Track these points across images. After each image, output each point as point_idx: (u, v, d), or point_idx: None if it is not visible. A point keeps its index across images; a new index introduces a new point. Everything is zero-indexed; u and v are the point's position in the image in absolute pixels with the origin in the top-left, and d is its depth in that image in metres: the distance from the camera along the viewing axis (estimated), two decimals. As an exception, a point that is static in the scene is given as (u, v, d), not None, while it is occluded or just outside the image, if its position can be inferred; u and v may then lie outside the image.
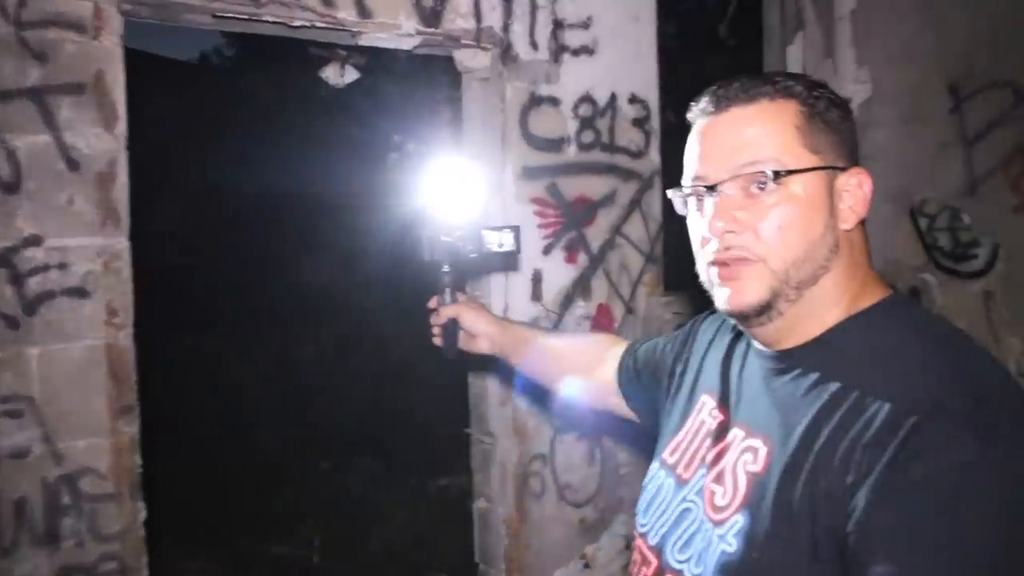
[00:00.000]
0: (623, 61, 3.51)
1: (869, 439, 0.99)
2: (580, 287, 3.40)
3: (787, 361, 1.18)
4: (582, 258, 3.40)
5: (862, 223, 1.20)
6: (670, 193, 1.27)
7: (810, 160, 1.12)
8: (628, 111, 3.53)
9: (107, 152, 2.38)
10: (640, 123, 3.57)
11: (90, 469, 2.37)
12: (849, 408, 1.04)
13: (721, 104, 1.17)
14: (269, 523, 5.76)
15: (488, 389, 3.30)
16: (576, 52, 3.36)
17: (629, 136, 3.53)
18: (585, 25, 3.39)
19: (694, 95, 1.24)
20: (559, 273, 3.34)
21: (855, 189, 1.16)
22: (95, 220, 2.37)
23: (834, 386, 1.08)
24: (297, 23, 2.70)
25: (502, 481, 3.29)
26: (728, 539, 1.13)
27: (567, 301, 3.36)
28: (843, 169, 1.16)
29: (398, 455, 6.10)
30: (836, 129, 1.16)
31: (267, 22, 2.67)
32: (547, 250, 3.28)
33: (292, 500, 5.87)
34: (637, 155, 3.56)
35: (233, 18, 2.60)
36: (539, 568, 3.34)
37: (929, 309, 1.13)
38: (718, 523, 1.16)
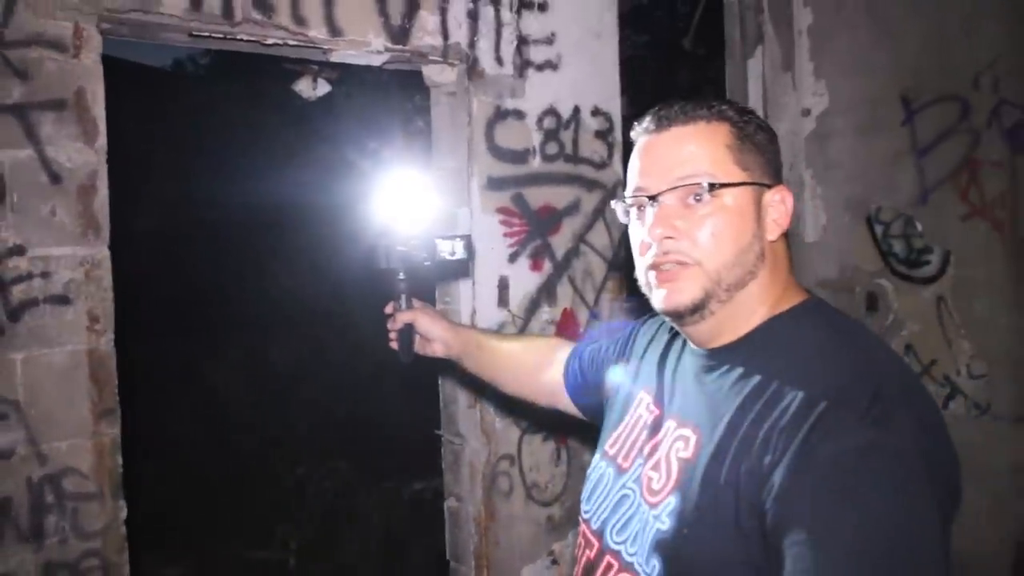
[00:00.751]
0: (586, 75, 3.64)
1: (784, 424, 1.12)
2: (545, 293, 3.53)
3: (716, 358, 1.31)
4: (547, 265, 3.53)
5: (785, 236, 1.34)
6: (614, 203, 1.41)
7: (740, 176, 1.26)
8: (591, 123, 3.66)
9: (88, 165, 2.48)
10: (603, 135, 3.70)
11: (73, 469, 2.46)
12: (768, 398, 1.17)
13: (662, 124, 1.31)
14: (246, 528, 5.82)
15: (458, 392, 3.41)
16: (540, 67, 3.49)
17: (592, 147, 3.66)
18: (549, 41, 3.52)
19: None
20: (525, 280, 3.46)
21: (779, 204, 1.31)
22: (76, 230, 2.47)
23: (756, 379, 1.22)
24: (270, 41, 2.82)
25: (471, 480, 3.40)
26: (662, 519, 1.25)
27: (533, 307, 3.49)
28: (769, 186, 1.30)
29: (373, 459, 6.18)
30: (763, 150, 1.30)
31: (241, 40, 2.78)
32: (513, 258, 3.41)
33: (268, 505, 5.93)
34: (600, 166, 3.69)
35: (209, 36, 2.72)
36: (508, 565, 3.45)
37: (839, 310, 1.26)
38: (653, 505, 1.28)
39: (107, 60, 2.57)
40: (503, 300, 3.40)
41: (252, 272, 9.57)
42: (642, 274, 1.34)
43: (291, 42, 2.85)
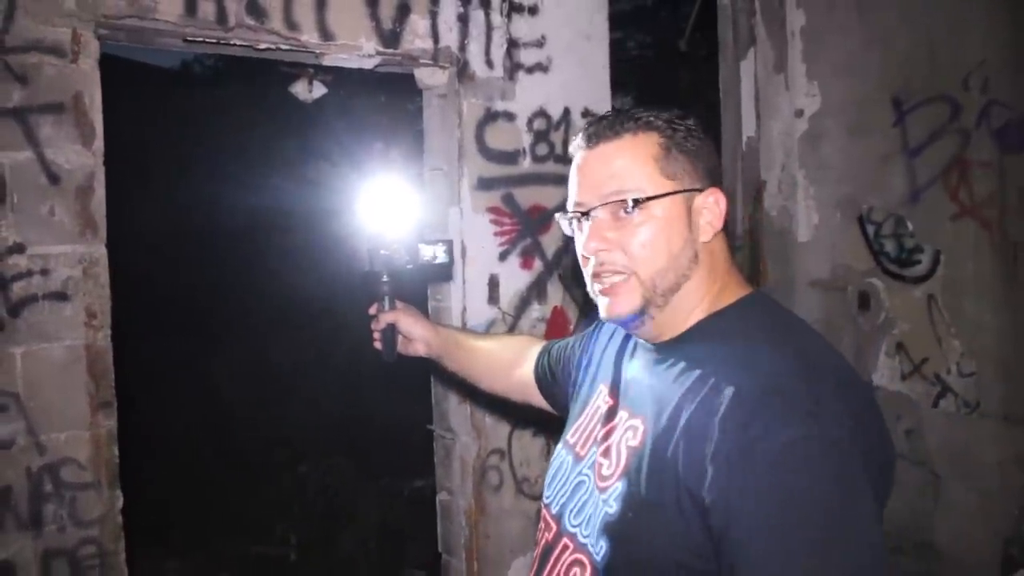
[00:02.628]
0: (576, 77, 3.71)
1: (721, 415, 1.18)
2: (536, 291, 3.60)
3: (662, 353, 1.38)
4: (538, 264, 3.60)
5: (724, 232, 1.40)
6: (558, 216, 1.48)
7: (667, 186, 1.32)
8: (581, 124, 3.70)
9: (85, 167, 2.57)
10: (593, 136, 3.75)
11: (71, 459, 2.55)
12: (708, 390, 1.23)
13: (591, 141, 1.37)
14: (247, 523, 5.87)
15: (449, 388, 3.49)
16: (530, 69, 3.56)
17: (582, 148, 3.71)
18: (539, 44, 3.59)
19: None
20: (515, 278, 3.53)
21: (712, 206, 1.36)
22: (75, 230, 2.56)
23: (697, 372, 1.27)
24: (263, 46, 2.90)
25: (462, 475, 3.48)
26: (610, 503, 1.32)
27: (523, 304, 3.56)
28: (700, 190, 1.35)
29: (373, 457, 6.25)
30: (693, 156, 1.35)
31: (235, 45, 2.87)
32: (503, 256, 3.48)
33: (269, 501, 5.99)
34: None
35: (203, 42, 2.80)
36: (498, 557, 3.52)
37: (779, 304, 1.34)
38: (603, 490, 1.36)
39: (111, 60, 2.66)
40: (493, 298, 3.47)
41: (253, 271, 9.62)
42: (588, 283, 1.41)
43: (284, 47, 2.93)
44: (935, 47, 4.23)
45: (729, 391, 1.19)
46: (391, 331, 2.00)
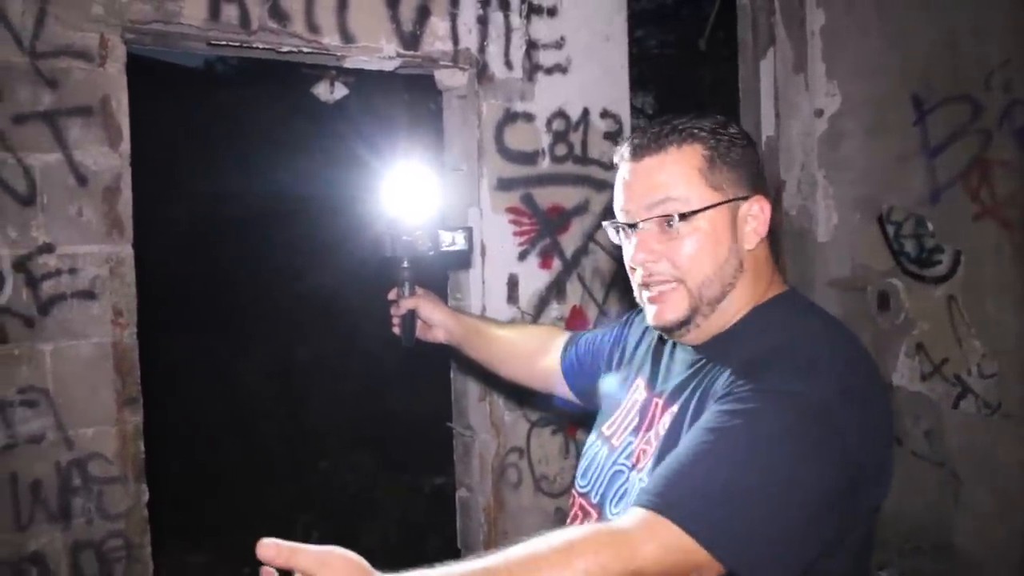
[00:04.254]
0: (595, 78, 3.73)
1: (730, 372, 1.29)
2: (555, 290, 3.63)
3: (705, 352, 1.42)
4: (557, 263, 3.62)
5: (767, 238, 1.45)
6: (605, 224, 1.51)
7: (712, 197, 1.35)
8: (600, 125, 3.75)
9: (112, 168, 2.63)
10: (612, 136, 3.78)
11: (98, 454, 2.62)
12: (730, 375, 1.29)
13: (636, 154, 1.40)
14: (269, 518, 5.87)
15: (468, 385, 3.53)
16: (550, 71, 3.59)
17: (601, 148, 3.75)
18: (558, 45, 3.61)
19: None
20: (534, 277, 3.57)
21: (757, 214, 1.40)
22: (102, 230, 2.63)
23: (729, 366, 1.32)
24: (285, 49, 2.95)
25: (481, 472, 3.51)
26: (643, 478, 1.37)
27: (542, 304, 3.59)
28: (745, 198, 1.39)
29: (394, 453, 6.29)
30: (737, 165, 1.38)
31: (258, 48, 2.92)
32: (523, 256, 3.51)
33: (291, 496, 6.03)
34: (609, 166, 3.77)
35: (227, 45, 2.86)
36: (517, 554, 3.54)
37: (811, 301, 1.42)
38: (639, 470, 1.41)
39: (140, 61, 2.72)
40: (513, 297, 3.50)
41: (278, 268, 9.70)
42: (636, 291, 1.46)
43: (305, 49, 2.99)
44: (957, 46, 4.21)
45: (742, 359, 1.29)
46: (411, 317, 2.02)
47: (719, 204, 1.35)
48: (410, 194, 2.02)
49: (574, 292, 3.67)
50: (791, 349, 1.27)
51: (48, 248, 2.54)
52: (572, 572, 1.07)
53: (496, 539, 3.49)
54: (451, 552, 4.10)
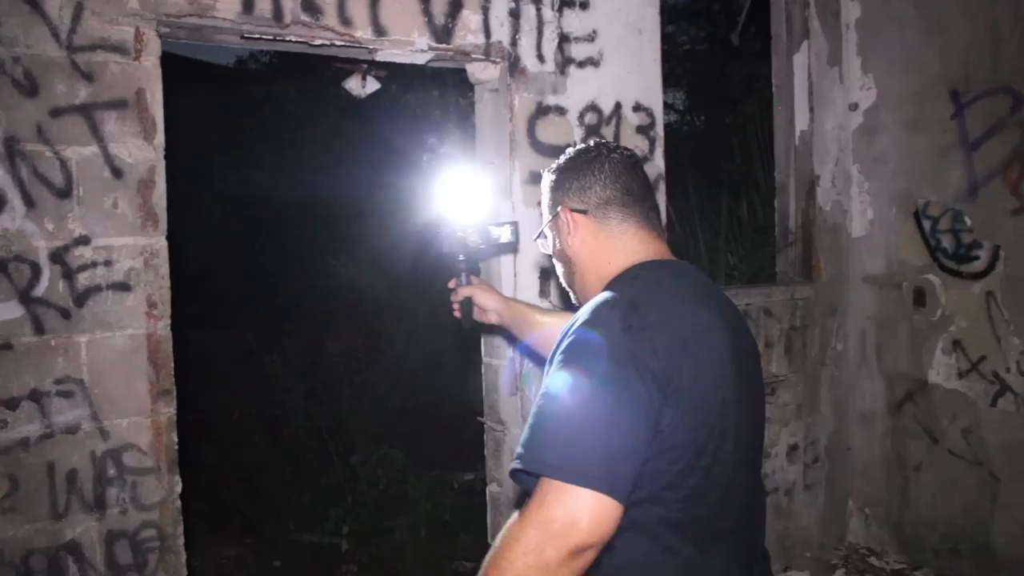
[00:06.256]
0: (627, 71, 3.71)
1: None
2: (585, 284, 3.60)
3: None
4: (587, 257, 3.60)
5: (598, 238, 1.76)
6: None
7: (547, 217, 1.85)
8: (632, 119, 3.72)
9: (147, 161, 2.65)
10: (644, 130, 3.76)
11: (132, 445, 2.64)
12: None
13: None
14: (300, 512, 5.95)
15: (499, 379, 3.51)
16: (582, 64, 3.57)
17: (634, 142, 3.72)
18: (590, 38, 3.59)
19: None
20: (565, 272, 3.54)
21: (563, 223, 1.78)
22: (137, 222, 2.64)
23: None
24: (318, 42, 2.95)
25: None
26: None
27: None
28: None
29: (426, 448, 6.30)
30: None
31: (290, 41, 2.92)
32: (554, 250, 3.49)
33: (322, 490, 6.06)
34: (643, 160, 3.75)
35: (260, 38, 2.86)
36: (547, 549, 3.52)
37: (640, 276, 1.72)
38: None
39: (175, 59, 2.73)
40: (544, 291, 3.49)
41: (309, 263, 9.74)
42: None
43: (338, 42, 2.98)
44: (998, 37, 4.14)
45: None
46: (468, 303, 2.32)
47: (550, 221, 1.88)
48: (461, 193, 2.33)
49: (605, 286, 3.64)
50: (598, 310, 1.55)
51: (84, 240, 2.56)
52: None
53: (526, 534, 3.46)
54: (481, 548, 4.10)
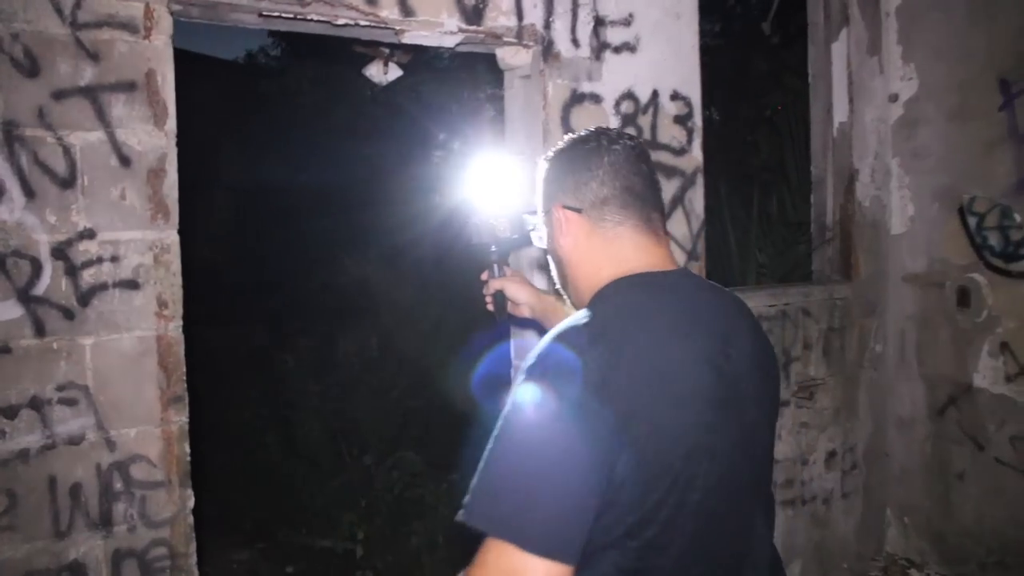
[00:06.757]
0: (665, 58, 3.51)
1: None
2: (622, 283, 3.40)
3: None
4: (622, 254, 3.40)
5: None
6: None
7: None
8: (670, 108, 3.53)
9: (157, 148, 2.45)
10: (682, 120, 3.57)
11: (141, 456, 2.44)
12: None
13: None
14: (313, 516, 5.82)
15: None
16: (618, 49, 3.37)
17: (671, 133, 3.53)
18: (627, 22, 3.39)
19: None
20: (599, 268, 3.35)
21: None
22: (146, 214, 2.44)
23: None
24: (341, 22, 2.75)
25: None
26: None
27: (606, 296, 3.37)
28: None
29: (440, 451, 6.13)
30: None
31: (312, 21, 2.72)
32: (587, 245, 3.29)
33: (336, 494, 5.91)
34: (679, 152, 3.56)
35: (279, 17, 2.66)
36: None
37: (623, 290, 1.55)
38: None
39: (180, 54, 2.55)
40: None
41: (322, 259, 9.62)
42: None
43: (362, 22, 2.78)
44: (1050, 24, 3.94)
45: None
46: (501, 296, 2.21)
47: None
48: (492, 182, 2.24)
49: (640, 285, 3.44)
50: (546, 342, 1.41)
51: (89, 234, 2.36)
52: None
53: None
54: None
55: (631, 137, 1.63)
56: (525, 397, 1.31)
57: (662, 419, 1.33)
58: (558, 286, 1.71)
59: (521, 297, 2.20)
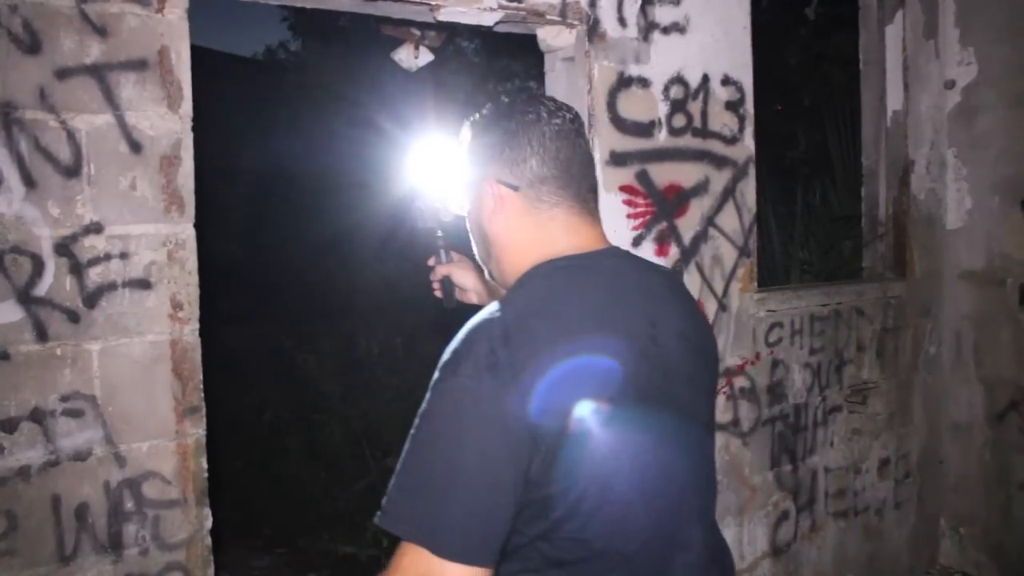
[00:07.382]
0: (715, 40, 3.28)
1: None
2: (670, 282, 3.17)
3: None
4: (674, 250, 3.18)
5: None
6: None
7: None
8: (721, 93, 3.30)
9: (171, 133, 2.22)
10: (734, 106, 3.34)
11: (154, 473, 2.22)
12: None
13: None
14: (335, 522, 5.66)
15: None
16: (666, 30, 3.14)
17: (722, 120, 3.30)
18: (676, 1, 3.16)
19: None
20: (649, 267, 3.12)
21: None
22: (159, 206, 2.22)
23: None
24: (373, -4, 2.52)
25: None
26: None
27: (656, 297, 3.14)
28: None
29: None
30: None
31: (342, -4, 2.49)
32: (637, 242, 3.05)
33: (359, 498, 5.75)
34: (731, 141, 3.32)
35: (306, -9, 2.43)
36: None
37: (551, 274, 1.43)
38: None
39: (197, 51, 2.33)
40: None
41: (343, 260, 9.48)
42: None
43: (395, -2, 2.55)
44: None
45: None
46: (449, 282, 2.17)
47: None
48: (435, 165, 2.09)
49: (692, 284, 3.21)
50: (456, 342, 1.33)
51: (96, 228, 2.14)
52: None
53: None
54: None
55: (568, 108, 1.50)
56: (438, 394, 1.28)
57: (580, 412, 1.27)
58: (480, 261, 1.61)
59: (468, 283, 2.17)
